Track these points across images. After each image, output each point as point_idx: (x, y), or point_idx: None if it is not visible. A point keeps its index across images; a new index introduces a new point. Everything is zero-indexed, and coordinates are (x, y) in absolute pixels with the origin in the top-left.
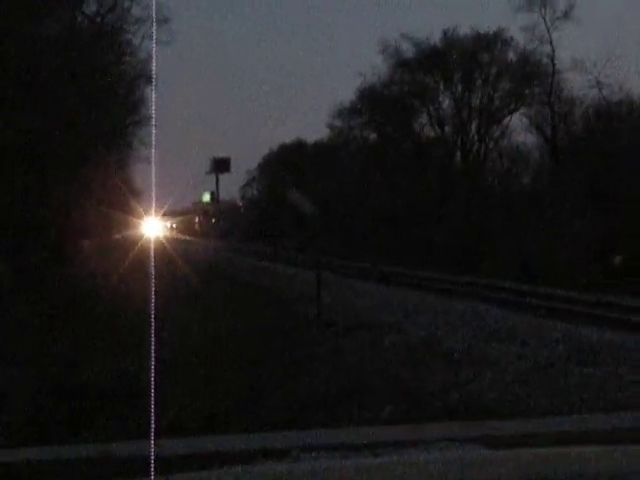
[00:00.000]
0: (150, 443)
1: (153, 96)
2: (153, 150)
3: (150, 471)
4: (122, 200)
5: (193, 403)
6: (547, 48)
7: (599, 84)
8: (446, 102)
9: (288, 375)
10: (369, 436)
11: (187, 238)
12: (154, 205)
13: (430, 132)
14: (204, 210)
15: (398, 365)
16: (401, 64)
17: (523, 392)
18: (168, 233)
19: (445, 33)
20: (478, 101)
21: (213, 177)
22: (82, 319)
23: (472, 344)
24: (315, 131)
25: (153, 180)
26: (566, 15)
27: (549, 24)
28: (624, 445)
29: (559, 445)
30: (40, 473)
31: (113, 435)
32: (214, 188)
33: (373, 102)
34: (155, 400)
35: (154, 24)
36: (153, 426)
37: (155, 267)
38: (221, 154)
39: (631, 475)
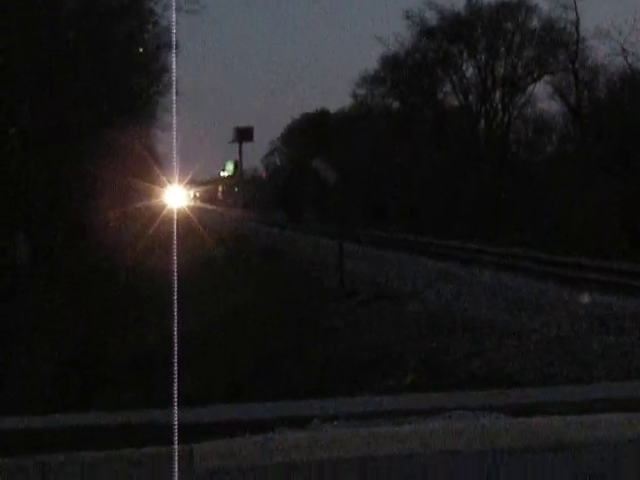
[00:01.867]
0: (173, 411)
1: (174, 63)
2: (174, 118)
3: (173, 439)
4: (145, 169)
5: (215, 373)
6: (571, 15)
7: (624, 52)
8: (470, 70)
9: (310, 344)
10: (390, 405)
11: (210, 207)
12: (177, 174)
13: (454, 101)
14: (227, 179)
15: (420, 334)
16: (425, 32)
17: (546, 361)
18: (191, 202)
19: (469, 1)
20: (502, 69)
21: (236, 146)
22: (104, 292)
23: (495, 313)
24: (338, 100)
25: (175, 149)
26: None
27: None
28: None
29: (582, 413)
30: (59, 440)
31: (134, 405)
32: (237, 157)
33: (396, 70)
34: (178, 369)
35: None
36: (176, 393)
37: (178, 237)
38: (244, 123)
39: None
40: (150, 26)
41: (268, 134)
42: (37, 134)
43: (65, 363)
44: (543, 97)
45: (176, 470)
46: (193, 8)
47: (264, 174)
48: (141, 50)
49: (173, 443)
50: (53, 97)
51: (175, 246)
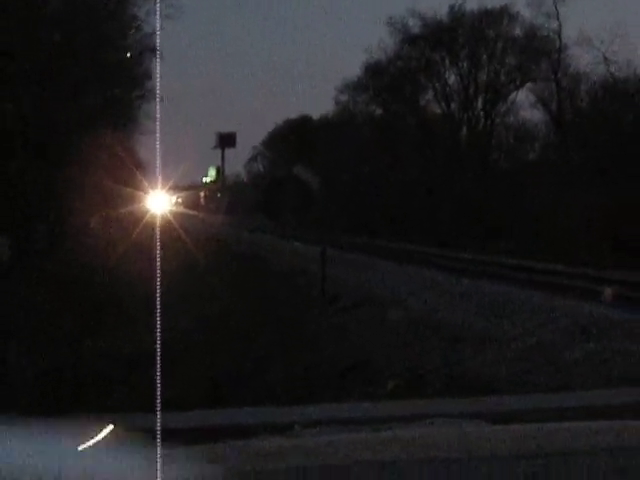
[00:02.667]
0: (156, 416)
1: (157, 68)
2: (157, 124)
3: (156, 443)
4: (127, 174)
5: (197, 378)
6: (554, 23)
7: (606, 60)
8: (452, 78)
9: (292, 351)
10: (371, 411)
11: (192, 213)
12: (160, 179)
13: (436, 108)
14: (209, 185)
15: (401, 341)
16: (407, 40)
17: (525, 368)
18: (174, 208)
19: (452, 8)
20: (484, 77)
21: (219, 152)
22: (87, 296)
23: (475, 321)
24: (320, 107)
25: (158, 154)
26: None
27: None
28: (624, 420)
29: (560, 420)
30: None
31: (118, 409)
32: (219, 163)
33: (379, 77)
34: (160, 374)
35: None
36: (159, 399)
37: (161, 242)
38: (227, 129)
39: (631, 450)
40: (133, 31)
41: (251, 140)
42: (17, 129)
43: (46, 368)
44: (525, 105)
45: (158, 474)
46: (173, 13)
47: (246, 180)
48: (129, 55)
49: (155, 447)
50: (33, 91)
51: (158, 252)
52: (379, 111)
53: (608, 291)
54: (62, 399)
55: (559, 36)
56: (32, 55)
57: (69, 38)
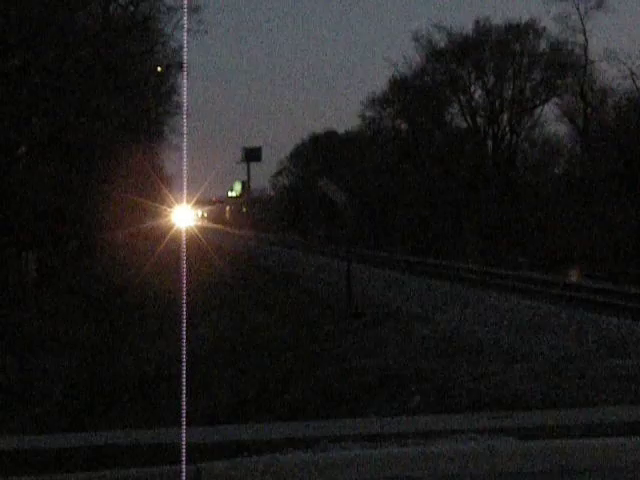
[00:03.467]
0: (181, 431)
1: (185, 83)
2: (184, 139)
3: (181, 459)
4: (153, 189)
5: (223, 392)
6: (580, 38)
7: (632, 75)
8: (478, 92)
9: (318, 365)
10: (397, 426)
11: (218, 227)
12: (185, 194)
13: (462, 122)
14: (235, 199)
15: (427, 356)
16: (433, 54)
17: (552, 383)
18: (199, 222)
19: (477, 23)
20: (510, 91)
21: (244, 166)
22: (111, 310)
23: (502, 335)
24: (346, 122)
25: (184, 168)
26: (599, 4)
27: (582, 13)
28: None
29: (589, 437)
30: (69, 460)
31: (143, 423)
32: (245, 177)
33: (405, 92)
34: (186, 388)
35: (185, 13)
36: (184, 414)
37: (187, 257)
38: (252, 144)
39: None
40: (159, 47)
41: (276, 154)
42: (46, 147)
43: (72, 381)
44: (551, 119)
45: None
46: (200, 29)
47: (271, 194)
48: (159, 69)
49: (181, 463)
50: (62, 107)
51: (184, 267)
52: (404, 126)
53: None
54: (86, 413)
55: (585, 51)
56: (62, 70)
57: (98, 53)
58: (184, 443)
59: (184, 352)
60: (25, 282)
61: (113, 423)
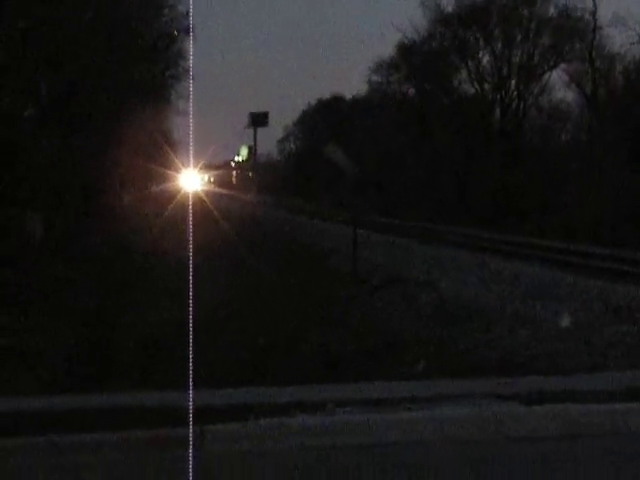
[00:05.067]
0: (187, 393)
1: (191, 49)
2: (190, 104)
3: (188, 421)
4: (161, 153)
5: (229, 355)
6: (589, 3)
7: None
8: (486, 58)
9: (324, 329)
10: (403, 391)
11: (224, 191)
12: (192, 158)
13: (469, 88)
14: (241, 164)
15: (432, 321)
16: (441, 19)
17: (559, 349)
18: (206, 186)
19: None
20: (518, 57)
21: (251, 131)
22: (119, 273)
23: (507, 302)
24: (353, 87)
25: (191, 133)
26: None
27: None
28: None
29: (595, 402)
30: (72, 421)
31: (149, 386)
32: (252, 142)
33: (412, 57)
34: (192, 351)
35: None
36: (191, 376)
37: (194, 220)
38: (259, 109)
39: None
40: (166, 10)
41: (283, 119)
42: (52, 107)
43: (78, 341)
44: (559, 85)
45: (190, 452)
46: None
47: (278, 159)
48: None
49: (187, 425)
50: (69, 70)
51: (191, 229)
52: (412, 91)
53: None
54: (90, 376)
55: (594, 16)
56: (68, 34)
57: (105, 17)
58: (191, 405)
59: (191, 316)
60: (31, 243)
61: (116, 386)
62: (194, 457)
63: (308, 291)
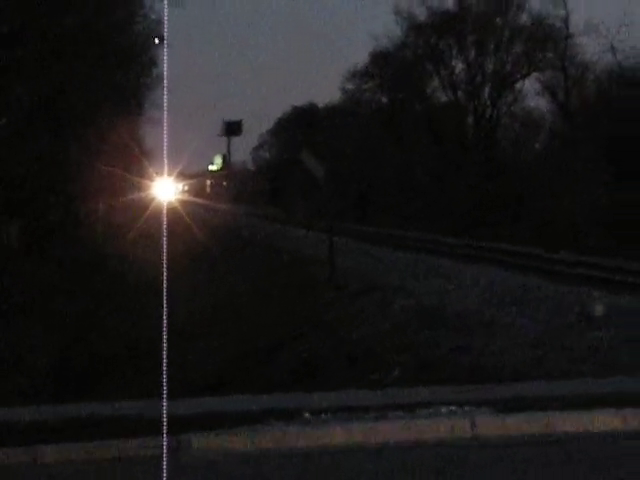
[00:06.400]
0: (162, 402)
1: (165, 57)
2: (164, 112)
3: (162, 430)
4: (134, 162)
5: (203, 364)
6: (561, 12)
7: (613, 49)
8: (459, 66)
9: (299, 337)
10: (379, 398)
11: (199, 201)
12: (166, 167)
13: (442, 96)
14: (215, 173)
15: (408, 328)
16: (414, 28)
17: (534, 356)
18: (180, 195)
19: None
20: (491, 65)
21: (225, 140)
22: (92, 280)
23: (483, 308)
24: (327, 95)
25: (165, 141)
26: None
27: None
28: (635, 408)
29: (569, 408)
30: (51, 431)
31: (122, 394)
32: (226, 151)
33: (386, 65)
34: (165, 363)
35: None
36: (165, 385)
37: (169, 229)
38: (233, 117)
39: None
40: (140, 19)
41: (257, 128)
42: (26, 117)
43: (58, 349)
44: (532, 94)
45: (164, 461)
46: (180, 1)
47: (252, 168)
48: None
49: (162, 434)
50: (42, 79)
51: (165, 238)
52: (385, 99)
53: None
54: (73, 381)
55: (566, 24)
56: (43, 40)
57: (79, 24)
58: (165, 415)
59: (165, 326)
60: (8, 251)
61: (96, 394)
62: (170, 466)
63: (285, 299)
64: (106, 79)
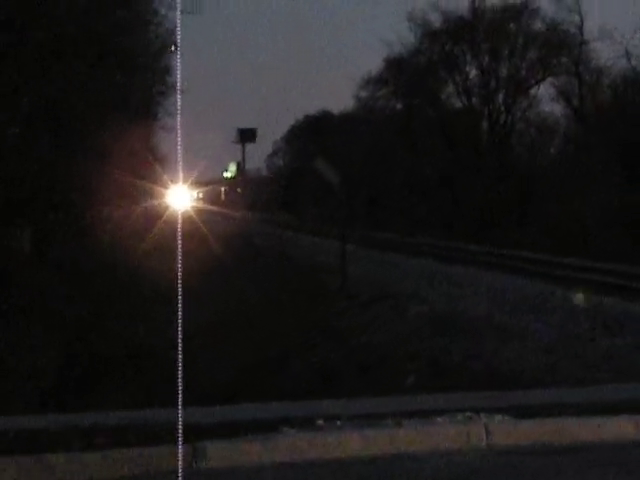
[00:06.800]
0: (177, 411)
1: (178, 64)
2: (178, 120)
3: (177, 438)
4: (147, 169)
5: (217, 373)
6: (575, 17)
7: (627, 54)
8: (473, 72)
9: (313, 346)
10: (392, 406)
11: (213, 208)
12: (180, 175)
13: (457, 102)
14: (230, 180)
15: (421, 335)
16: (428, 34)
17: (549, 362)
18: (195, 203)
19: (473, 3)
20: (505, 71)
21: (239, 147)
22: (103, 290)
23: (497, 315)
24: (341, 102)
25: (179, 149)
26: None
27: None
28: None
29: (583, 415)
30: (66, 440)
31: (136, 403)
32: (240, 158)
33: (400, 72)
34: (181, 370)
35: None
36: (180, 394)
37: (183, 238)
38: (247, 125)
39: None
40: (153, 27)
41: (271, 135)
42: (38, 124)
43: (65, 355)
44: (546, 99)
45: (180, 470)
46: (194, 8)
47: (267, 175)
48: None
49: (177, 443)
50: (54, 89)
51: (180, 248)
52: (399, 106)
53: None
54: (76, 391)
55: (580, 30)
56: (55, 44)
57: (88, 27)
58: (180, 423)
59: (180, 335)
60: (18, 257)
61: (104, 402)
62: (186, 475)
63: (297, 307)
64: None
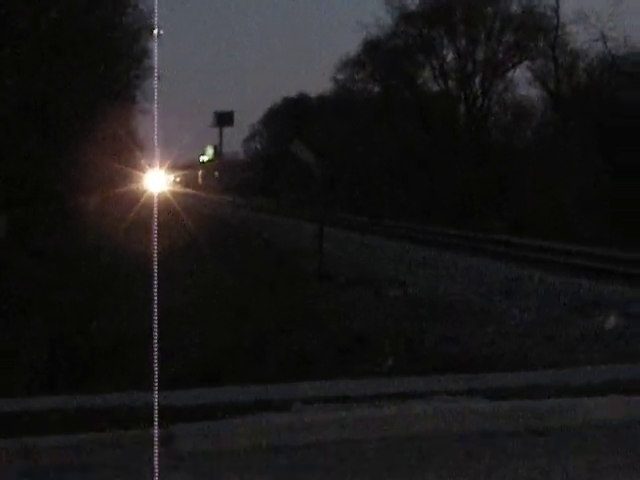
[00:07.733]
0: (153, 394)
1: (156, 48)
2: (155, 104)
3: (153, 421)
4: (127, 154)
5: (193, 356)
6: (551, 0)
7: (603, 37)
8: (450, 56)
9: (289, 329)
10: (370, 388)
11: (191, 191)
12: (158, 159)
13: (434, 86)
14: (207, 164)
15: (399, 319)
16: (405, 17)
17: (525, 345)
18: (172, 186)
19: None
20: (482, 55)
21: (216, 131)
22: (86, 273)
23: (474, 298)
24: (318, 85)
25: (156, 132)
26: None
27: None
28: (626, 396)
29: (558, 397)
30: (41, 423)
31: (112, 386)
32: (217, 142)
33: (377, 55)
34: (157, 352)
35: None
36: (156, 377)
37: (161, 222)
38: (225, 108)
39: (634, 425)
40: (130, 9)
41: (248, 118)
42: (16, 110)
43: (51, 343)
44: (523, 83)
45: (156, 452)
46: None
47: (244, 158)
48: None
49: (153, 426)
50: (32, 71)
51: (156, 230)
52: (377, 89)
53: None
54: (59, 375)
55: (557, 13)
56: (31, 33)
57: (68, 15)
58: (156, 406)
59: (155, 317)
60: None
61: (88, 387)
62: (162, 457)
63: (275, 289)
64: (96, 70)
